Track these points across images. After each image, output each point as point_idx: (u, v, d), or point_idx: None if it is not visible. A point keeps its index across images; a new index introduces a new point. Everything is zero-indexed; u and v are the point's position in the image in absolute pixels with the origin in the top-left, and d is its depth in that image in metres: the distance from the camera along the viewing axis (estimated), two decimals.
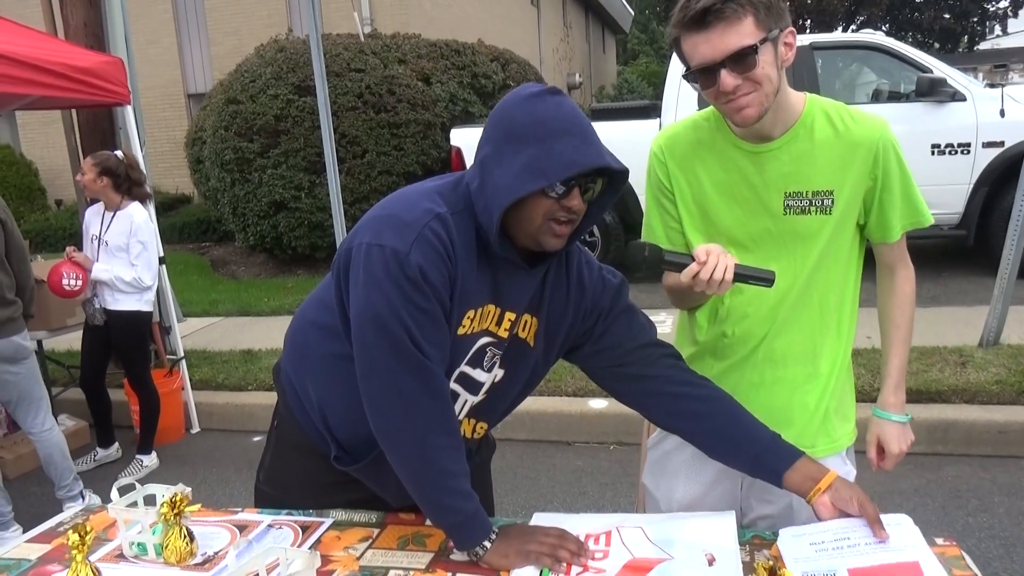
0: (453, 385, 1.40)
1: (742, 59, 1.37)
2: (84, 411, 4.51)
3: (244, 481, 3.87)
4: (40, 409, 3.53)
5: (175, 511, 1.46)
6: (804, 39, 6.68)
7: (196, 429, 4.71)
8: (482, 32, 14.22)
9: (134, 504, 1.55)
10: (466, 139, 7.16)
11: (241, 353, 5.49)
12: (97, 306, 3.98)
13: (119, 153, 4.01)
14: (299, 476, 1.59)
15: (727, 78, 1.38)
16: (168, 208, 12.27)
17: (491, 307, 1.37)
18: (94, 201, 4.10)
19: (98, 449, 4.29)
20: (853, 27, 25.08)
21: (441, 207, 1.29)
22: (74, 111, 5.09)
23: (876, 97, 6.82)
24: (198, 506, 1.52)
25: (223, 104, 8.47)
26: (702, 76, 1.42)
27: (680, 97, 6.59)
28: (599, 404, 4.18)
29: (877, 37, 6.74)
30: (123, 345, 4.07)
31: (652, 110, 7.12)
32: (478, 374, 1.43)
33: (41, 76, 3.78)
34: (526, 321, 1.44)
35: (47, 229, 11.74)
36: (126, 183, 3.94)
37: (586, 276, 1.50)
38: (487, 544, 1.34)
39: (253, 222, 8.52)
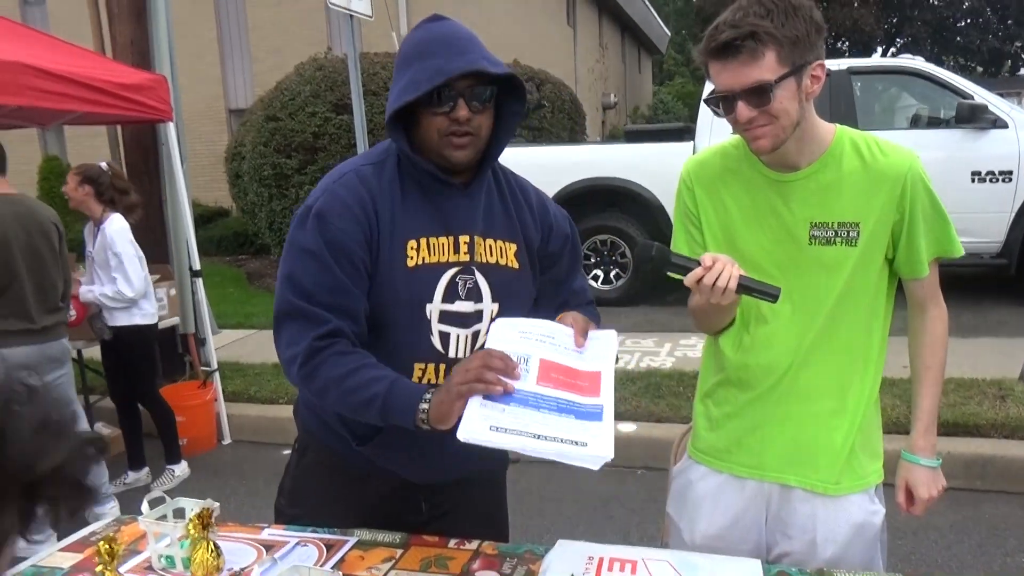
0: (440, 326, 1.45)
1: (758, 93, 1.40)
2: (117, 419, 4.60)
3: (272, 494, 3.85)
4: (80, 412, 3.63)
5: (203, 525, 1.48)
6: (842, 63, 6.63)
7: (228, 440, 4.77)
8: (518, 52, 14.33)
9: (164, 517, 1.57)
10: (501, 158, 7.18)
11: (273, 366, 5.55)
12: (102, 323, 3.97)
13: (104, 164, 3.98)
14: (318, 496, 1.60)
15: (743, 109, 1.42)
16: (207, 221, 12.50)
17: (443, 239, 1.44)
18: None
19: (128, 472, 4.22)
20: (893, 49, 24.83)
21: (355, 165, 1.46)
22: (119, 126, 5.23)
23: (915, 123, 6.74)
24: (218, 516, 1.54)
25: (263, 121, 8.64)
26: (722, 103, 1.46)
27: (715, 120, 6.56)
28: (627, 427, 4.16)
29: (917, 62, 6.66)
30: (126, 359, 4.04)
31: (686, 132, 7.11)
32: (459, 306, 1.46)
33: (88, 93, 3.90)
34: (500, 248, 1.50)
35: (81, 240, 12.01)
36: (109, 192, 3.90)
37: (546, 200, 1.64)
38: (425, 407, 1.30)
39: None
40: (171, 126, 4.60)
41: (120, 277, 3.84)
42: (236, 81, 14.44)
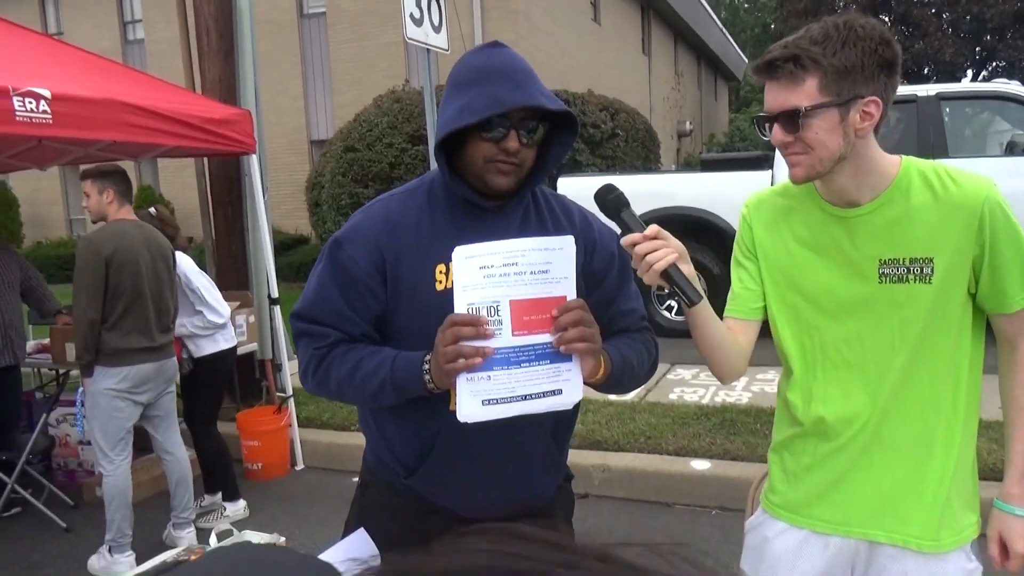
0: None
1: (790, 119, 1.38)
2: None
3: (342, 522, 3.90)
4: (177, 429, 3.85)
5: None
6: (931, 88, 6.40)
7: (300, 466, 4.84)
8: (593, 81, 14.38)
9: None
10: (574, 187, 7.18)
11: None
12: (188, 353, 4.06)
13: (152, 210, 4.11)
14: (381, 533, 1.59)
15: (777, 133, 1.41)
16: (287, 248, 12.89)
17: None
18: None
19: (205, 496, 4.25)
20: (985, 72, 23.90)
21: (386, 195, 1.52)
22: (205, 158, 5.45)
23: (1011, 149, 6.41)
24: None
25: (342, 151, 8.89)
26: (764, 123, 1.44)
27: None
28: (702, 465, 4.03)
29: (1011, 87, 6.36)
30: (200, 388, 4.10)
31: (764, 160, 6.95)
32: None
33: (177, 127, 4.07)
34: None
35: None
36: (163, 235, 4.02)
37: (591, 217, 1.60)
38: (427, 378, 1.37)
39: None
40: (254, 158, 4.76)
41: (205, 309, 4.03)
42: (318, 113, 14.94)
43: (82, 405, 3.75)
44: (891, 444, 1.48)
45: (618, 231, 1.46)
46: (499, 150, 1.38)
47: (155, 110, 3.94)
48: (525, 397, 1.34)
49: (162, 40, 15.36)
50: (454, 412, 1.35)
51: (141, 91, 4.09)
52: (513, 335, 1.33)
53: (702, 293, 1.35)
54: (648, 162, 11.68)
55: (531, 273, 1.35)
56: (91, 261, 3.39)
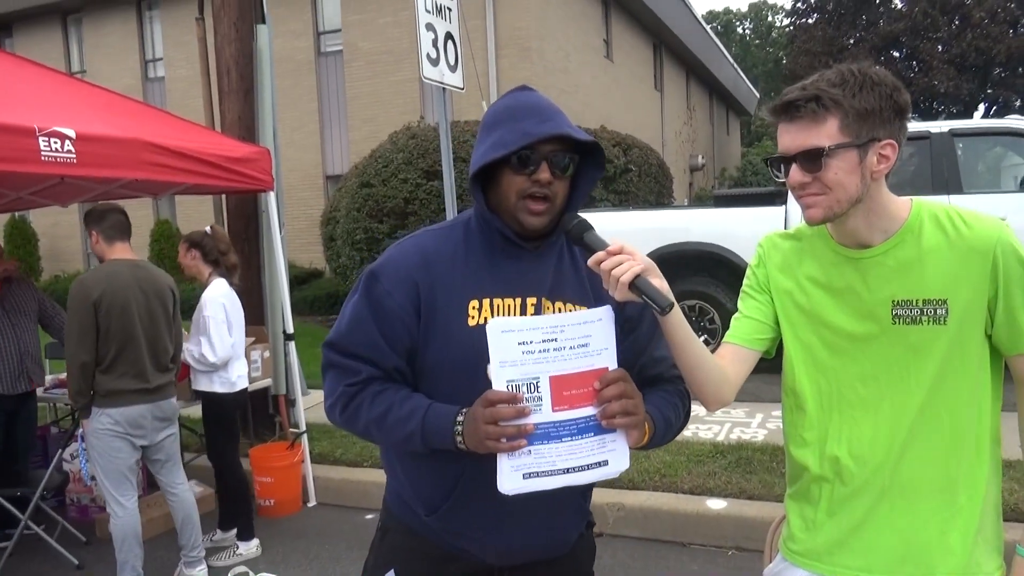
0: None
1: (812, 158, 1.38)
2: (212, 478, 4.73)
3: (354, 560, 3.90)
4: (182, 470, 3.82)
5: None
6: (943, 125, 6.41)
7: (313, 503, 4.82)
8: (606, 117, 14.51)
9: None
10: None
11: None
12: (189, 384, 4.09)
13: (208, 229, 4.18)
14: None
15: (795, 173, 1.41)
16: (301, 282, 12.98)
17: (509, 300, 1.46)
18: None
19: (217, 530, 4.27)
20: (996, 107, 23.95)
21: (422, 231, 1.54)
22: (224, 195, 5.53)
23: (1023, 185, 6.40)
24: None
25: (357, 187, 8.98)
26: (780, 165, 1.45)
27: None
28: (718, 504, 3.98)
29: (1023, 123, 6.37)
30: (205, 424, 4.13)
31: (777, 196, 6.96)
32: None
33: (197, 166, 4.13)
34: (570, 310, 1.49)
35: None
36: (214, 253, 4.10)
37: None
38: (459, 429, 1.36)
39: None
40: (271, 195, 4.83)
41: (205, 340, 3.94)
42: (333, 149, 15.13)
43: (82, 442, 3.73)
44: (911, 487, 1.46)
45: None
46: (531, 182, 1.41)
47: (176, 149, 4.01)
48: (568, 470, 1.34)
49: (182, 78, 15.68)
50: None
51: (163, 130, 4.16)
52: (553, 410, 1.33)
53: (673, 300, 1.34)
54: (661, 197, 11.72)
55: (570, 348, 1.34)
56: (80, 304, 3.39)
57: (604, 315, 1.37)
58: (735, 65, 27.69)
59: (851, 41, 23.94)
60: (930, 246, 1.44)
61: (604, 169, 1.54)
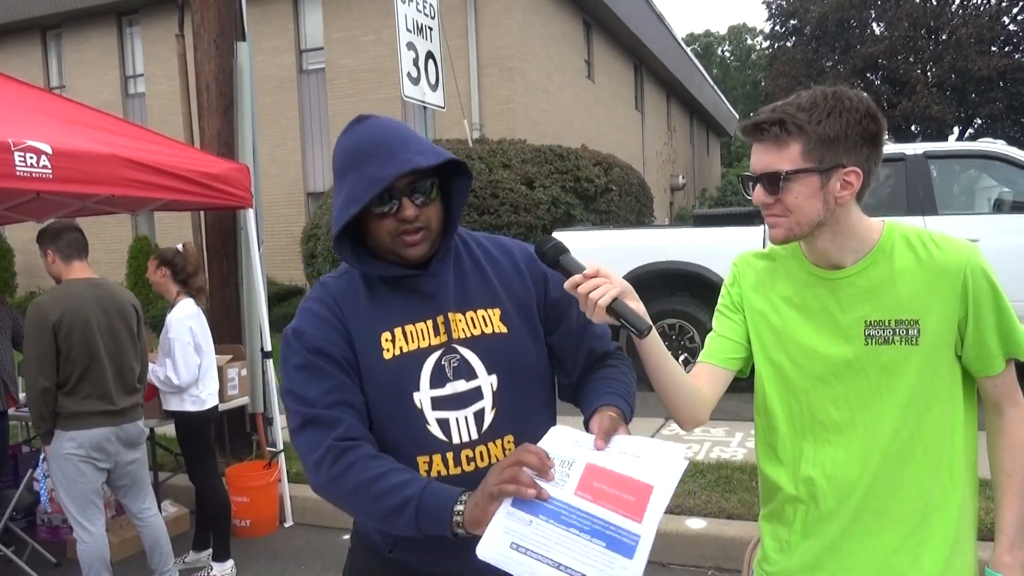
0: (436, 413, 1.40)
1: (772, 181, 1.41)
2: (187, 498, 4.66)
3: None
4: (148, 494, 3.71)
5: None
6: (918, 147, 6.51)
7: (289, 523, 4.76)
8: (586, 136, 14.61)
9: None
10: (567, 241, 7.22)
11: None
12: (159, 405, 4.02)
13: (180, 246, 4.11)
14: None
15: (759, 193, 1.44)
16: (281, 299, 12.88)
17: (420, 325, 1.42)
18: None
19: (190, 551, 4.22)
20: (971, 130, 24.36)
21: (323, 279, 1.51)
22: (202, 212, 5.49)
23: (998, 207, 6.50)
24: None
25: None
26: (747, 183, 1.48)
27: None
28: (697, 524, 3.98)
29: (997, 146, 6.48)
30: (179, 443, 4.06)
31: (756, 216, 7.02)
32: (451, 388, 1.41)
33: (175, 182, 4.10)
34: (482, 317, 1.45)
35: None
36: (183, 273, 4.02)
37: (500, 241, 1.59)
38: (460, 508, 1.24)
39: None
40: (250, 212, 4.80)
41: (170, 363, 3.87)
42: (315, 166, 15.10)
43: (42, 466, 3.61)
44: (884, 510, 1.46)
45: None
46: (398, 222, 1.37)
47: (154, 165, 3.98)
48: (558, 566, 1.14)
49: (162, 94, 15.62)
50: None
51: (140, 146, 4.13)
52: (575, 493, 1.21)
53: (650, 323, 1.33)
54: (641, 216, 11.79)
55: (623, 452, 1.27)
56: (38, 328, 3.28)
57: (674, 452, 1.26)
58: (715, 87, 28.03)
59: (829, 64, 24.33)
60: (901, 267, 1.45)
61: (471, 175, 1.49)
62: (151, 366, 3.96)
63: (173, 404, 3.97)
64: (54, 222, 3.63)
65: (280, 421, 5.11)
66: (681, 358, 6.99)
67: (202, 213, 5.53)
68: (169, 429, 4.90)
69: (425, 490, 1.27)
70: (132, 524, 4.22)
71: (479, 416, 1.41)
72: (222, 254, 5.38)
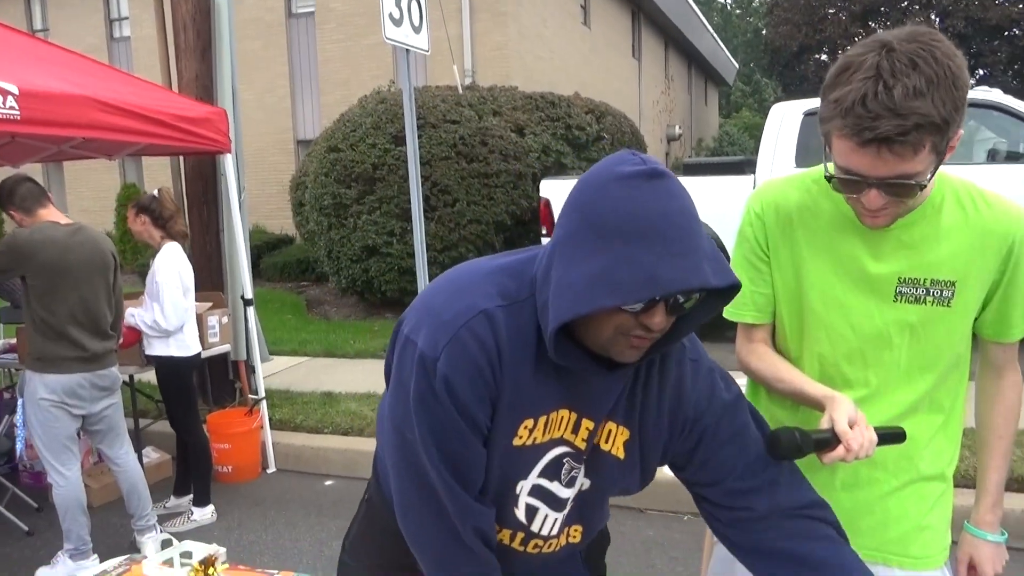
0: (529, 499, 1.23)
1: (903, 187, 1.21)
2: (169, 444, 4.68)
3: (311, 526, 3.88)
4: (125, 440, 3.71)
5: (205, 572, 1.44)
6: None
7: (272, 469, 4.79)
8: (581, 85, 14.38)
9: (171, 561, 1.54)
10: (556, 191, 7.16)
11: (321, 395, 5.58)
12: (141, 350, 4.00)
13: (156, 192, 4.04)
14: (383, 559, 1.50)
15: (876, 198, 1.23)
16: (272, 248, 12.81)
17: (564, 412, 1.18)
18: None
19: (171, 497, 4.24)
20: (972, 80, 24.04)
21: (492, 300, 1.11)
22: (181, 157, 5.39)
23: (993, 157, 6.43)
24: (226, 565, 1.50)
25: (325, 151, 8.83)
26: (845, 184, 1.25)
27: (776, 153, 6.40)
28: None
29: (993, 95, 6.37)
30: (161, 389, 4.05)
31: (747, 165, 6.95)
32: (556, 488, 1.23)
33: (150, 126, 4.01)
34: (611, 431, 1.22)
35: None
36: (161, 219, 3.95)
37: (688, 381, 1.23)
38: None
39: (346, 265, 8.76)
40: (229, 157, 4.71)
41: (158, 306, 3.85)
42: (305, 113, 14.86)
43: (21, 411, 3.61)
44: (881, 463, 1.44)
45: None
46: (638, 324, 1.05)
47: (129, 108, 3.88)
48: None
49: (148, 37, 15.25)
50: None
51: (115, 88, 4.03)
52: None
53: (902, 428, 1.29)
54: None
55: None
56: (8, 251, 3.26)
57: None
58: (714, 35, 27.50)
59: (832, 11, 23.86)
60: (948, 224, 1.36)
61: (721, 306, 1.15)
62: (137, 311, 3.93)
63: (157, 348, 3.94)
64: (3, 181, 3.54)
65: (263, 369, 5.10)
66: None
67: (181, 159, 5.44)
68: (150, 375, 4.91)
69: None
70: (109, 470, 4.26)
71: (565, 520, 1.29)
72: (202, 201, 5.32)
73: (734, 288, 1.08)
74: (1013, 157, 6.21)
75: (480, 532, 1.18)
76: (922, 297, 1.36)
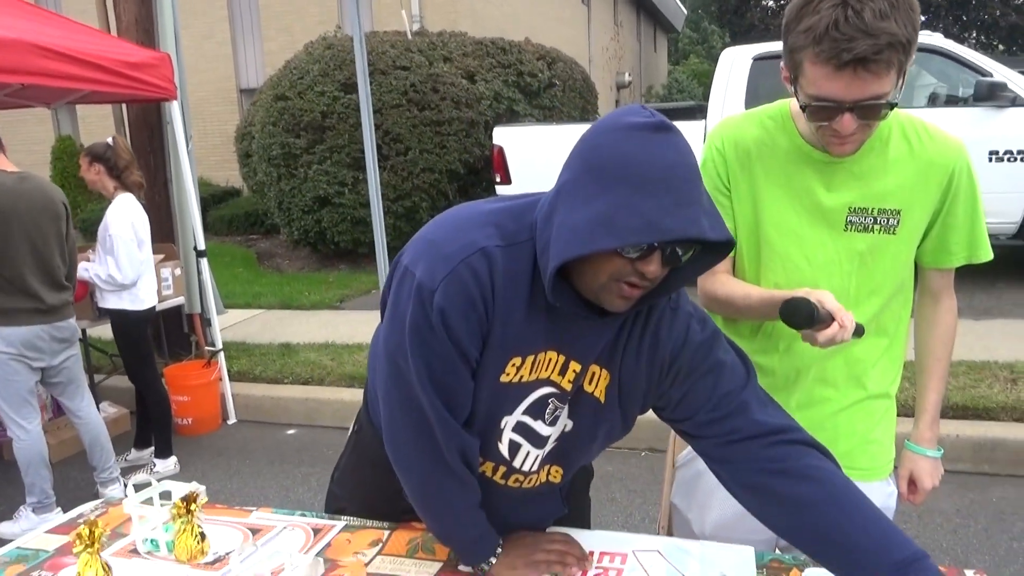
0: (512, 435, 1.27)
1: (874, 109, 1.26)
2: (126, 399, 4.63)
3: (275, 474, 3.91)
4: (85, 392, 3.67)
5: (187, 509, 1.47)
6: None
7: (233, 420, 4.78)
8: (531, 30, 14.20)
9: (150, 500, 1.56)
10: (508, 138, 7.14)
11: (279, 346, 5.56)
12: (93, 303, 3.92)
13: (109, 140, 3.92)
14: (370, 488, 1.53)
15: (850, 122, 1.27)
16: (218, 201, 12.51)
17: (552, 354, 1.21)
18: None
19: (132, 450, 4.23)
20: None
21: (492, 239, 1.13)
22: (124, 105, 5.21)
23: (933, 101, 6.60)
24: (204, 499, 1.52)
25: (271, 100, 8.61)
26: (819, 111, 1.29)
27: (727, 99, 6.47)
28: None
29: (935, 39, 6.51)
30: (117, 343, 4.00)
31: (698, 111, 7.02)
32: (540, 427, 1.27)
33: (91, 72, 3.87)
34: (594, 373, 1.25)
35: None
36: (116, 168, 3.85)
37: (665, 327, 1.26)
38: (492, 560, 1.32)
39: (298, 216, 8.64)
40: (175, 105, 4.57)
41: (112, 260, 3.77)
42: (247, 61, 14.39)
43: None
44: (832, 382, 1.53)
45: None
46: (633, 271, 1.07)
47: (68, 52, 3.73)
48: None
49: None
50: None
51: (52, 32, 3.86)
52: None
53: (861, 325, 1.33)
54: (586, 113, 11.64)
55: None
56: None
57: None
58: None
59: None
60: (895, 156, 1.42)
61: (718, 261, 1.19)
62: (90, 264, 3.85)
63: (110, 302, 3.86)
64: None
65: (218, 322, 5.04)
66: None
67: (124, 107, 5.26)
68: (103, 331, 4.82)
69: (480, 537, 1.32)
70: (71, 424, 4.20)
71: (545, 458, 1.33)
72: (149, 150, 5.17)
73: (728, 244, 1.11)
74: (952, 101, 6.38)
75: (464, 457, 1.23)
76: (870, 226, 1.44)
